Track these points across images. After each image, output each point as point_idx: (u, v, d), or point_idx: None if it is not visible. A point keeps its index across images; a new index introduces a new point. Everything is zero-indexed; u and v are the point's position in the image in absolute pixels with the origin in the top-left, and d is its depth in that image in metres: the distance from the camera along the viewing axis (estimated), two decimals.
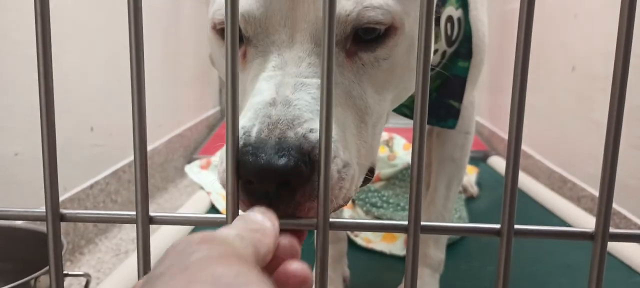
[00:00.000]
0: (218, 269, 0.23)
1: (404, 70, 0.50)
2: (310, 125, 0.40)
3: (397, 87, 0.52)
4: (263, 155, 0.38)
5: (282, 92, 0.42)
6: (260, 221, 0.31)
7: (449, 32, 0.69)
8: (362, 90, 0.47)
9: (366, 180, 0.50)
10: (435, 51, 0.68)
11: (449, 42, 0.70)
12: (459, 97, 0.74)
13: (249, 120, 0.41)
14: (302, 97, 0.42)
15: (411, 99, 0.76)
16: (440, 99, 0.73)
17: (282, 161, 0.38)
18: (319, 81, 0.42)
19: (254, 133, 0.40)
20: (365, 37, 0.47)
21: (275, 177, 0.38)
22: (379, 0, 0.46)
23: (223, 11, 0.40)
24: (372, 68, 0.48)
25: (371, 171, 0.50)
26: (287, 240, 0.33)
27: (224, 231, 0.28)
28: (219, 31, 0.51)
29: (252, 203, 0.39)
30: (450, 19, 0.69)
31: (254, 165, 0.38)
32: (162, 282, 0.22)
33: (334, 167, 0.41)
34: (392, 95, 0.52)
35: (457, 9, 0.70)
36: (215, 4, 0.50)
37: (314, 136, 0.39)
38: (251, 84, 0.46)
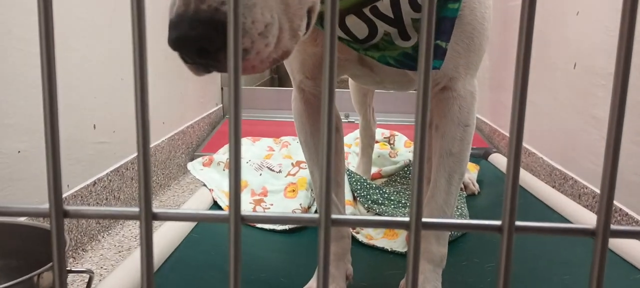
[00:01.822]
0: None
1: None
2: None
3: None
4: (179, 29, 0.43)
5: None
6: None
7: None
8: None
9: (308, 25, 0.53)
10: None
11: None
12: (447, 37, 0.72)
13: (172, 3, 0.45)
14: None
15: (399, 52, 0.73)
16: None
17: (195, 33, 0.43)
18: None
19: (175, 10, 0.44)
20: None
21: (191, 46, 0.44)
22: None
23: None
24: None
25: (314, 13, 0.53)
26: None
27: None
28: None
29: (190, 67, 0.48)
30: None
31: (172, 38, 0.44)
32: None
33: (254, 32, 0.46)
34: None
35: None
36: None
37: (226, 8, 0.43)
38: None
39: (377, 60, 0.76)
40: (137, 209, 0.34)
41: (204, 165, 1.66)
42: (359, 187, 1.38)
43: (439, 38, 0.72)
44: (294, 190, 1.44)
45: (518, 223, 0.34)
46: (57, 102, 0.34)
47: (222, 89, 2.59)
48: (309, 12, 0.53)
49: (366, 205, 1.34)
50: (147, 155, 0.33)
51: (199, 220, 0.36)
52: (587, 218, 1.27)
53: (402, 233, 1.16)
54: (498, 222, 0.34)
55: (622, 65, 0.32)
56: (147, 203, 0.33)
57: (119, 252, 1.21)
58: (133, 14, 0.33)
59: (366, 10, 0.68)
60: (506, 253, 0.34)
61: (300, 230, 1.21)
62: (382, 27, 0.70)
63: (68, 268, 0.81)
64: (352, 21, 0.70)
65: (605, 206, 0.33)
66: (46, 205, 0.36)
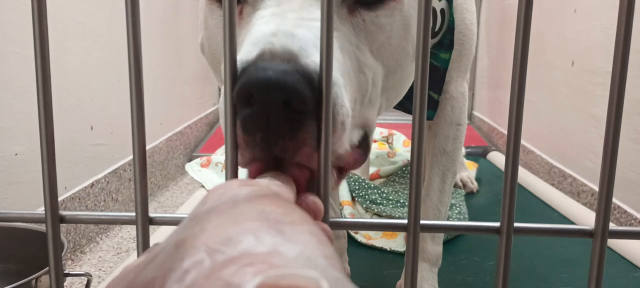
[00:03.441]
0: (266, 206, 0.23)
1: (398, 46, 0.50)
2: (316, 59, 0.36)
3: (395, 62, 0.50)
4: (267, 69, 0.34)
5: (284, 27, 0.39)
6: (277, 182, 0.31)
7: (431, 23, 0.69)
8: (360, 43, 0.46)
9: (366, 147, 0.46)
10: None
11: (432, 33, 0.70)
12: (438, 89, 0.74)
13: (247, 53, 0.37)
14: (305, 33, 0.38)
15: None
16: None
17: (290, 78, 0.34)
18: (318, 24, 0.39)
19: (254, 55, 0.36)
20: (366, 0, 0.47)
21: (281, 92, 0.34)
22: None
23: None
24: (373, 26, 0.47)
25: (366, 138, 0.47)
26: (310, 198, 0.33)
27: (258, 180, 0.29)
28: None
29: (249, 140, 0.35)
30: (432, 11, 0.69)
31: (258, 77, 0.34)
32: (210, 218, 0.22)
33: (339, 118, 0.38)
34: (384, 68, 0.50)
35: (440, 0, 0.70)
36: None
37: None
38: (246, 31, 0.43)
39: None
40: (133, 214, 0.34)
41: (202, 166, 1.66)
42: (357, 187, 1.38)
43: (431, 89, 0.74)
44: None
45: (516, 224, 0.34)
46: (52, 112, 0.34)
47: (219, 89, 2.59)
48: (366, 130, 0.47)
49: (365, 205, 1.34)
50: (143, 160, 0.33)
51: None
52: (586, 217, 1.27)
53: (401, 233, 1.16)
54: (497, 224, 0.34)
55: (619, 63, 0.32)
56: (144, 208, 0.33)
57: (118, 253, 1.21)
58: (128, 15, 0.33)
59: None
60: (505, 254, 0.34)
61: None
62: None
63: (66, 272, 0.81)
64: None
65: (603, 207, 0.33)
66: (43, 210, 0.36)
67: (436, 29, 0.70)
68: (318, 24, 0.39)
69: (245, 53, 0.37)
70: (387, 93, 0.52)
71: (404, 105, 0.78)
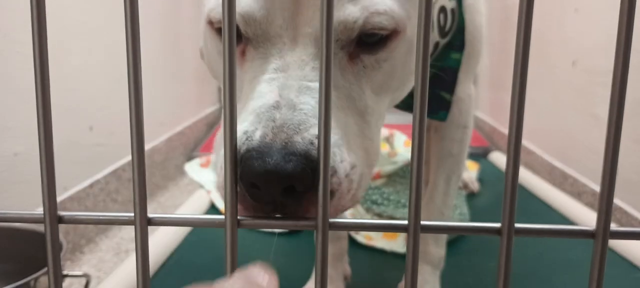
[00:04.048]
0: None
1: (402, 72, 0.51)
2: (317, 132, 0.38)
3: (396, 89, 0.52)
4: (269, 159, 0.37)
5: (286, 95, 0.41)
6: (261, 281, 0.30)
7: (441, 22, 0.68)
8: (362, 91, 0.47)
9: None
10: None
11: (442, 33, 0.70)
12: (451, 89, 0.74)
13: (251, 124, 0.40)
14: (307, 102, 0.41)
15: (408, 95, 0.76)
16: (432, 91, 0.73)
17: (290, 166, 0.37)
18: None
19: (257, 136, 0.39)
20: (367, 41, 0.46)
21: (282, 182, 0.37)
22: (384, 6, 0.45)
23: (219, 10, 0.39)
24: (373, 70, 0.48)
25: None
26: None
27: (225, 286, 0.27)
28: (214, 26, 0.50)
29: (254, 208, 0.38)
30: (443, 9, 0.68)
31: (259, 168, 0.37)
32: None
33: (342, 172, 0.41)
34: (389, 97, 0.52)
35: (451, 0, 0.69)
36: (211, 2, 0.49)
37: None
38: (250, 85, 0.45)
39: None
40: (132, 215, 0.34)
41: (201, 166, 1.66)
42: None
43: (444, 90, 0.74)
44: None
45: (517, 225, 0.34)
46: (51, 111, 0.33)
47: (219, 89, 2.59)
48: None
49: (365, 206, 1.33)
50: (142, 160, 0.33)
51: (195, 225, 0.36)
52: (588, 217, 1.27)
53: (401, 234, 1.16)
54: (497, 225, 0.34)
55: (620, 63, 0.32)
56: (142, 209, 0.33)
57: (117, 254, 1.21)
58: (126, 15, 0.32)
59: None
60: (506, 255, 0.34)
61: (297, 232, 1.21)
62: None
63: (65, 273, 0.81)
64: None
65: (604, 208, 0.33)
66: (41, 211, 0.36)
67: (447, 29, 0.70)
68: None
69: (248, 127, 0.40)
70: (389, 104, 0.54)
71: (410, 105, 0.77)
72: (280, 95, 0.41)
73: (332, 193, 0.41)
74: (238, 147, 0.39)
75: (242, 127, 0.40)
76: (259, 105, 0.41)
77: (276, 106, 0.40)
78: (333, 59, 0.41)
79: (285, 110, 0.40)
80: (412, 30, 0.49)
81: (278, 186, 0.37)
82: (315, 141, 0.38)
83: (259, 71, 0.44)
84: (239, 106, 0.44)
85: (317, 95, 0.41)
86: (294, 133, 0.39)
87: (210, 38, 0.51)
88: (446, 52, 0.72)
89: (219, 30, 0.49)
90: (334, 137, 0.42)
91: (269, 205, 0.38)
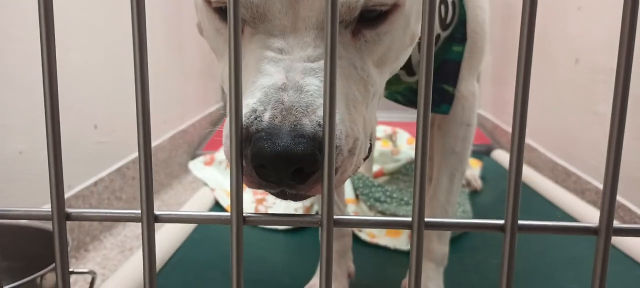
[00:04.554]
0: None
1: (400, 43, 0.52)
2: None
3: (393, 61, 0.53)
4: (280, 141, 0.38)
5: (292, 77, 0.42)
6: None
7: (442, 14, 0.69)
8: (364, 62, 0.48)
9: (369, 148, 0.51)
10: None
11: (443, 25, 0.70)
12: (453, 82, 0.74)
13: (260, 103, 0.41)
14: (312, 82, 0.42)
15: (405, 87, 0.76)
16: (435, 84, 0.73)
17: (300, 148, 0.38)
18: (323, 63, 0.43)
19: (266, 117, 0.39)
20: (368, 16, 0.47)
21: (292, 164, 0.38)
22: None
23: None
24: (374, 43, 0.49)
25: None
26: None
27: None
28: (212, 5, 0.50)
29: (259, 184, 0.40)
30: (444, 1, 0.69)
31: (270, 150, 0.37)
32: None
33: (346, 149, 0.42)
34: (387, 69, 0.53)
35: None
36: None
37: None
38: (253, 59, 0.45)
39: (386, 96, 0.79)
40: (138, 211, 0.34)
41: (205, 164, 1.66)
42: (361, 185, 1.38)
43: (446, 82, 0.74)
44: None
45: (521, 222, 0.34)
46: (59, 104, 0.34)
47: (222, 89, 2.60)
48: (370, 132, 0.51)
49: (368, 204, 1.34)
50: (149, 157, 0.33)
51: (201, 222, 0.36)
52: (591, 215, 1.27)
53: (405, 232, 1.16)
54: (501, 221, 0.34)
55: (623, 60, 0.32)
56: (149, 206, 0.33)
57: (122, 251, 1.21)
58: (133, 13, 0.33)
59: None
60: (509, 252, 0.34)
61: (302, 229, 1.21)
62: None
63: (70, 270, 0.81)
64: None
65: (607, 205, 0.33)
66: (48, 208, 0.36)
67: (448, 21, 0.70)
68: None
69: (257, 105, 0.40)
70: (389, 73, 0.55)
71: (412, 101, 0.78)
72: (287, 77, 0.42)
73: (336, 170, 0.42)
74: (246, 124, 0.40)
75: (249, 102, 0.41)
76: (266, 83, 0.42)
77: (283, 88, 0.41)
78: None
79: (292, 92, 0.41)
80: (410, 3, 0.50)
81: (288, 168, 0.38)
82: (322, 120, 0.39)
83: (262, 47, 0.45)
84: (243, 80, 0.45)
85: (321, 76, 0.42)
86: (302, 115, 0.39)
87: (207, 17, 0.51)
88: (448, 45, 0.72)
89: (215, 10, 0.49)
90: (339, 111, 0.43)
91: (273, 183, 0.39)
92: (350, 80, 0.46)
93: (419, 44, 0.67)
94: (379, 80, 0.51)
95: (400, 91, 0.77)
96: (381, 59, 0.50)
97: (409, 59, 0.69)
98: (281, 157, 0.38)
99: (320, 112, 0.40)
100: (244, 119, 0.40)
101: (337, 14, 0.30)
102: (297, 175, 0.39)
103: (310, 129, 0.39)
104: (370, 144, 0.51)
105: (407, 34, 0.52)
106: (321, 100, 0.40)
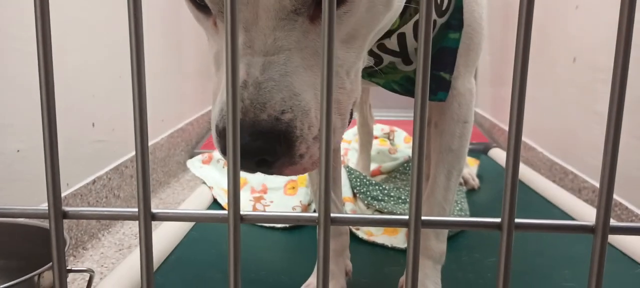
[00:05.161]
0: None
1: (368, 17, 0.51)
2: (281, 107, 0.44)
3: (366, 35, 0.53)
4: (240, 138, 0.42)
5: (252, 74, 0.45)
6: None
7: (438, 0, 0.68)
8: None
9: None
10: None
11: (439, 11, 0.69)
12: (450, 69, 0.73)
13: (225, 102, 0.45)
14: (271, 77, 0.45)
15: (401, 76, 0.75)
16: (431, 72, 0.72)
17: (257, 144, 0.43)
18: (285, 56, 0.46)
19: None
20: None
21: (253, 157, 0.43)
22: None
23: None
24: (336, 24, 0.48)
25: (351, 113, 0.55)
26: None
27: None
28: None
29: (243, 168, 0.45)
30: None
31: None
32: None
33: (310, 138, 0.46)
34: (359, 43, 0.53)
35: None
36: None
37: (287, 117, 0.44)
38: (224, 53, 0.48)
39: (382, 85, 0.79)
40: (136, 210, 0.34)
41: (203, 162, 1.66)
42: (358, 183, 1.38)
43: (443, 70, 0.73)
44: (293, 187, 1.44)
45: (518, 220, 0.34)
46: (55, 102, 0.34)
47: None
48: (353, 104, 0.54)
49: (366, 202, 1.34)
50: (146, 156, 0.33)
51: (198, 220, 0.36)
52: (588, 213, 1.27)
53: (402, 230, 1.16)
54: (498, 220, 0.34)
55: (621, 59, 0.32)
56: (146, 204, 0.33)
57: (120, 250, 1.21)
58: (129, 11, 0.33)
59: (374, 47, 0.69)
60: (506, 250, 0.34)
61: (299, 227, 1.21)
62: (387, 58, 0.72)
63: (68, 268, 0.81)
64: None
65: (604, 203, 0.33)
66: (45, 206, 0.36)
67: (444, 7, 0.70)
68: (285, 55, 0.46)
69: (223, 104, 0.46)
70: (367, 47, 0.56)
71: (409, 90, 0.77)
72: (248, 73, 0.45)
73: (302, 155, 0.46)
74: (216, 123, 0.46)
75: (220, 101, 0.46)
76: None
77: (244, 85, 0.44)
78: (293, 26, 0.46)
79: (252, 89, 0.44)
80: None
81: (250, 161, 0.44)
82: (282, 116, 0.44)
83: None
84: (218, 70, 0.51)
85: (280, 68, 0.46)
86: (260, 111, 0.43)
87: (187, 6, 0.53)
88: (444, 33, 0.72)
89: (192, 1, 0.51)
90: (301, 102, 0.46)
91: (247, 169, 0.46)
92: (315, 69, 0.48)
93: (415, 32, 0.67)
94: (348, 57, 0.52)
95: (397, 80, 0.76)
96: (349, 37, 0.51)
97: (405, 48, 0.69)
98: (242, 152, 0.42)
99: (278, 106, 0.44)
100: (217, 116, 0.46)
101: (333, 27, 0.30)
102: (263, 163, 0.44)
103: (267, 125, 0.43)
104: (352, 112, 0.54)
105: (376, 4, 0.51)
106: (280, 95, 0.44)
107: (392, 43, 0.69)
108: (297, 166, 0.46)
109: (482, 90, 2.48)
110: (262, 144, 0.43)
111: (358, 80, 0.55)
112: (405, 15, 0.66)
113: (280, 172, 0.46)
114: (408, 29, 0.67)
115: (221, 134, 0.45)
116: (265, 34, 0.46)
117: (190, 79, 2.08)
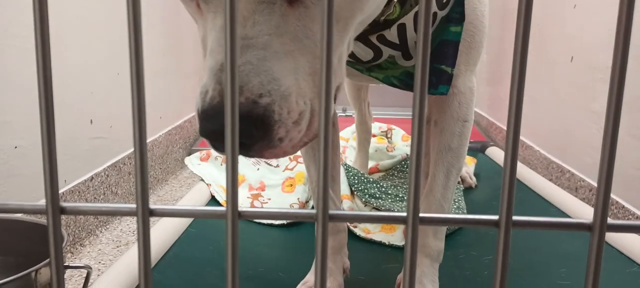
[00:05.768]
0: None
1: (349, 4, 0.51)
2: (259, 90, 0.43)
3: (349, 18, 0.52)
4: (214, 120, 0.42)
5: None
6: None
7: None
8: (308, 29, 0.48)
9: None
10: None
11: (440, 4, 0.69)
12: (452, 61, 0.73)
13: (205, 85, 0.45)
14: (249, 61, 0.44)
15: (401, 71, 0.75)
16: (432, 65, 0.72)
17: None
18: (263, 39, 0.45)
19: (207, 99, 0.43)
20: None
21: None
22: None
23: None
24: (315, 7, 0.48)
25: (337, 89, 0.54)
26: None
27: None
28: None
29: (217, 149, 0.45)
30: None
31: (206, 130, 0.43)
32: None
33: (289, 123, 0.45)
34: (343, 25, 0.52)
35: None
36: None
37: (264, 100, 0.43)
38: (209, 35, 0.48)
39: (381, 80, 0.79)
40: (134, 205, 0.34)
41: (201, 159, 1.66)
42: (356, 181, 1.39)
43: (444, 63, 0.73)
44: (291, 185, 1.44)
45: (515, 218, 0.34)
46: (53, 98, 0.34)
47: None
48: (336, 90, 0.53)
49: (364, 199, 1.34)
50: (144, 151, 0.33)
51: (196, 216, 0.36)
52: (585, 212, 1.28)
53: (400, 227, 1.17)
54: (495, 217, 0.34)
55: (619, 58, 0.32)
56: (144, 200, 0.33)
57: (117, 246, 1.21)
58: (129, 9, 0.33)
59: (373, 38, 0.69)
60: (503, 247, 0.34)
61: (297, 224, 1.21)
62: (387, 51, 0.71)
63: (66, 264, 0.81)
64: (358, 47, 0.71)
65: (601, 201, 0.33)
66: (43, 202, 0.36)
67: (444, 0, 0.69)
68: (264, 39, 0.46)
69: (204, 83, 0.45)
70: (354, 31, 0.55)
71: (408, 85, 0.77)
72: (224, 57, 0.45)
73: (282, 139, 0.46)
74: (196, 105, 0.45)
75: (200, 83, 0.46)
76: (210, 64, 0.45)
77: (222, 69, 0.44)
78: (272, 9, 0.45)
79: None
80: None
81: (223, 144, 0.43)
82: (259, 100, 0.43)
83: (211, 26, 0.47)
84: (203, 51, 0.50)
85: (258, 51, 0.45)
86: (238, 94, 0.43)
87: None
88: (445, 26, 0.71)
89: None
90: (280, 88, 0.45)
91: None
92: (296, 54, 0.47)
93: (415, 24, 0.67)
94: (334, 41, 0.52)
95: (397, 76, 0.76)
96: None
97: (405, 40, 0.69)
98: (216, 135, 0.42)
99: (255, 89, 0.43)
100: (197, 98, 0.46)
101: (332, 22, 0.30)
102: (241, 146, 0.43)
103: (243, 108, 0.42)
104: (336, 96, 0.53)
105: None
106: (258, 79, 0.44)
107: (392, 34, 0.69)
108: (276, 150, 0.46)
109: (479, 88, 2.48)
110: (239, 127, 0.43)
111: (342, 65, 0.55)
112: (405, 5, 0.66)
113: (260, 155, 0.46)
114: (408, 20, 0.67)
115: (201, 116, 0.44)
116: (245, 17, 0.45)
117: (188, 76, 2.08)
